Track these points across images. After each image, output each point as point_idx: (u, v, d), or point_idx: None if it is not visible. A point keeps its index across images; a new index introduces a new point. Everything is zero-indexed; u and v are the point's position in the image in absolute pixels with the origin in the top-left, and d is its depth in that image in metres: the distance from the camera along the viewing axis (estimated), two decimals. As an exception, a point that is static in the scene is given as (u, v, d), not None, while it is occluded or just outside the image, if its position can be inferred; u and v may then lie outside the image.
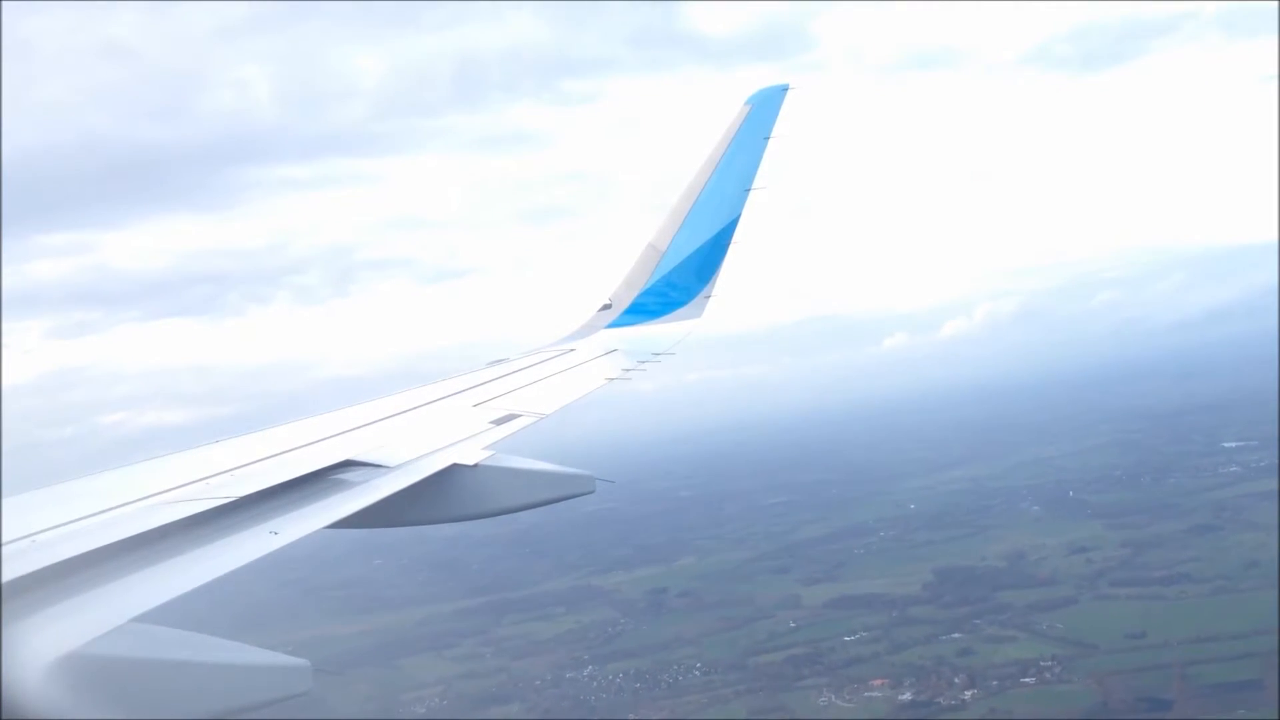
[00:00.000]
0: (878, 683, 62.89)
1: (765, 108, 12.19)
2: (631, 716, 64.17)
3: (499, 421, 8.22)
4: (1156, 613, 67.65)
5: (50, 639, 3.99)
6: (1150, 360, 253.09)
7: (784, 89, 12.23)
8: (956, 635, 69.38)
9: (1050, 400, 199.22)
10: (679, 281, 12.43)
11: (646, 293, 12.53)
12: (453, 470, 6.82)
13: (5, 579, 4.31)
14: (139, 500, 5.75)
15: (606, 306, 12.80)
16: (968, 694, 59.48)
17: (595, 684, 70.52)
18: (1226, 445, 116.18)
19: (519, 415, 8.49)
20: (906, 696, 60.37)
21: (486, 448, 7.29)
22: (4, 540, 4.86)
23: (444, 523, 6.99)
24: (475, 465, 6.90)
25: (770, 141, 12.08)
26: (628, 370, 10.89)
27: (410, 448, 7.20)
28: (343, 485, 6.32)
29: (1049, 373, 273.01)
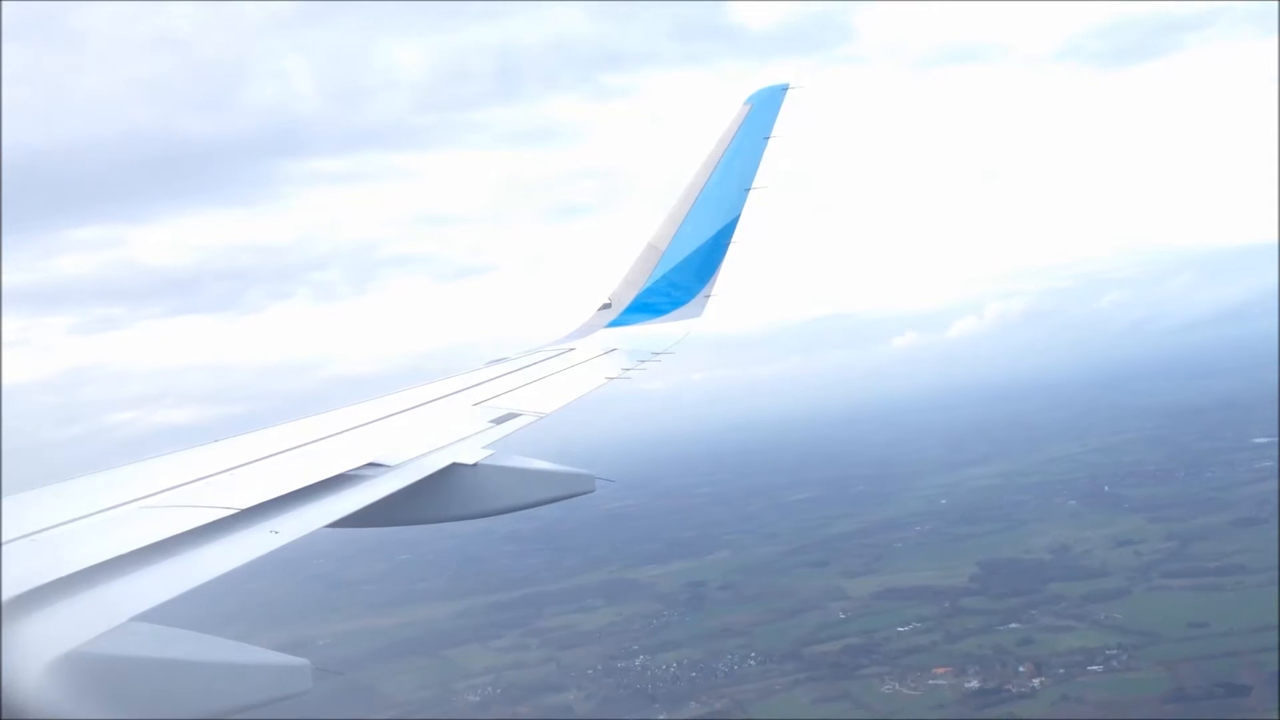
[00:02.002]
0: (941, 671, 62.67)
1: (765, 107, 12.12)
2: (694, 713, 63.86)
3: (499, 421, 8.19)
4: (1215, 603, 67.45)
5: (50, 638, 3.95)
6: (1162, 359, 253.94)
7: (784, 88, 12.14)
8: (1014, 625, 69.19)
9: (1065, 399, 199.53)
10: (679, 281, 12.38)
11: (646, 292, 12.47)
12: (453, 469, 6.82)
13: (5, 578, 4.29)
14: (130, 502, 5.65)
15: (606, 306, 12.73)
16: (1036, 681, 59.24)
17: (649, 673, 70.24)
18: (1257, 441, 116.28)
19: (519, 414, 8.45)
20: (973, 684, 60.12)
21: (486, 447, 7.28)
22: (3, 539, 4.82)
23: (444, 521, 6.97)
24: (475, 464, 6.89)
25: (770, 141, 12.02)
26: (627, 369, 10.82)
27: (410, 447, 7.17)
28: (342, 484, 6.25)
29: (1060, 372, 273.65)
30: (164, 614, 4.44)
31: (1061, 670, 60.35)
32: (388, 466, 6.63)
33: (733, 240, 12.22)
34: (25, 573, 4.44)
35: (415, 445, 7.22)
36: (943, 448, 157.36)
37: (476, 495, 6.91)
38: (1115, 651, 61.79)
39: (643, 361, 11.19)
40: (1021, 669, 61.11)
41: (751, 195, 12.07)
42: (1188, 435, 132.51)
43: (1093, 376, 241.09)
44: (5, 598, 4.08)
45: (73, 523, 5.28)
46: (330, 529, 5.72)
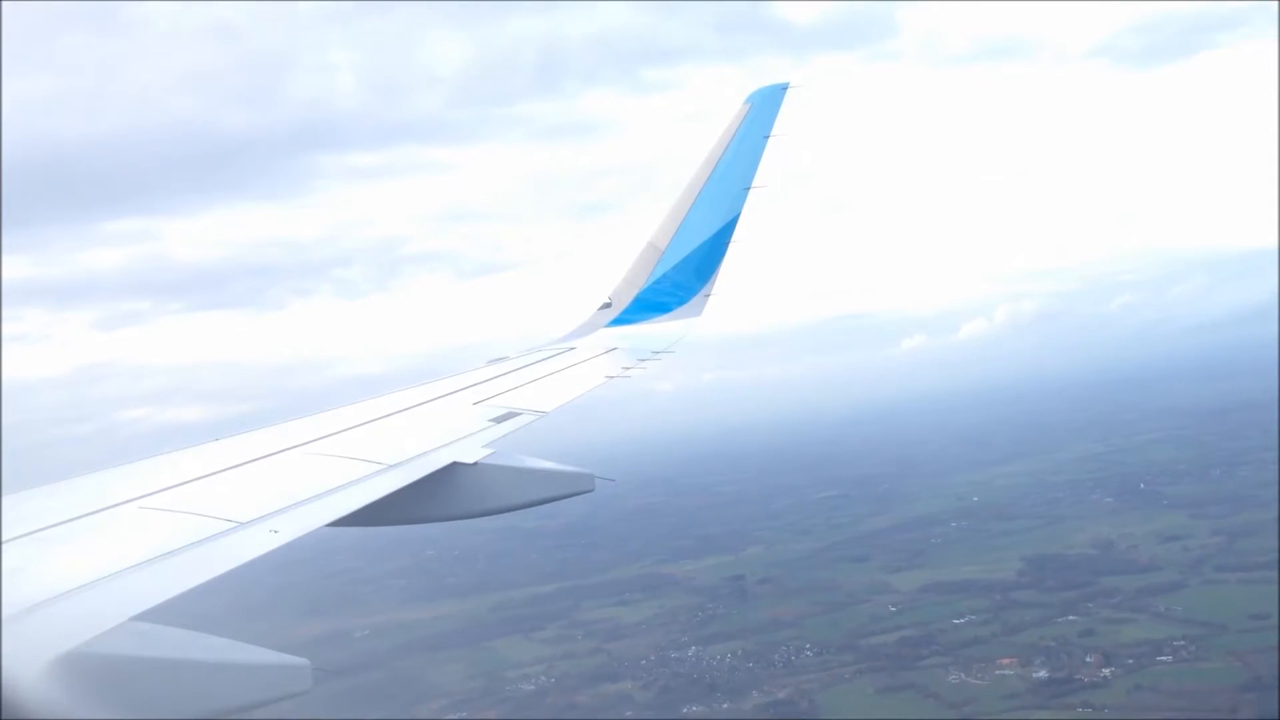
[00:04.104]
0: (1006, 661, 62.39)
1: (765, 106, 12.19)
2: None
3: (499, 419, 8.22)
4: (1273, 595, 66.80)
5: (50, 638, 3.95)
6: (1176, 362, 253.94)
7: (784, 87, 12.21)
8: (1072, 618, 68.91)
9: (1081, 400, 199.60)
10: (679, 280, 12.41)
11: (646, 291, 12.50)
12: (453, 468, 6.85)
13: (4, 577, 4.33)
14: (128, 502, 5.64)
15: (606, 305, 12.75)
16: (1105, 671, 58.98)
17: (704, 664, 69.90)
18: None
19: (519, 413, 8.49)
20: (1042, 674, 59.84)
21: (486, 446, 7.32)
22: (4, 538, 4.85)
23: (444, 520, 7.01)
24: (475, 463, 6.93)
25: (769, 140, 12.05)
26: (627, 368, 10.83)
27: (410, 445, 7.19)
28: (342, 483, 6.27)
29: (1073, 374, 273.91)
30: (178, 611, 4.42)
31: (1130, 660, 60.11)
32: (391, 465, 6.61)
33: (732, 239, 12.24)
34: (25, 572, 4.49)
35: (415, 444, 7.23)
36: (963, 447, 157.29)
37: (476, 494, 6.93)
38: (1182, 642, 61.51)
39: (643, 360, 11.16)
40: (1089, 660, 60.86)
41: (752, 194, 12.09)
42: (1212, 435, 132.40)
43: (1105, 379, 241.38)
44: (5, 597, 4.06)
45: (70, 522, 5.26)
46: (330, 528, 5.68)
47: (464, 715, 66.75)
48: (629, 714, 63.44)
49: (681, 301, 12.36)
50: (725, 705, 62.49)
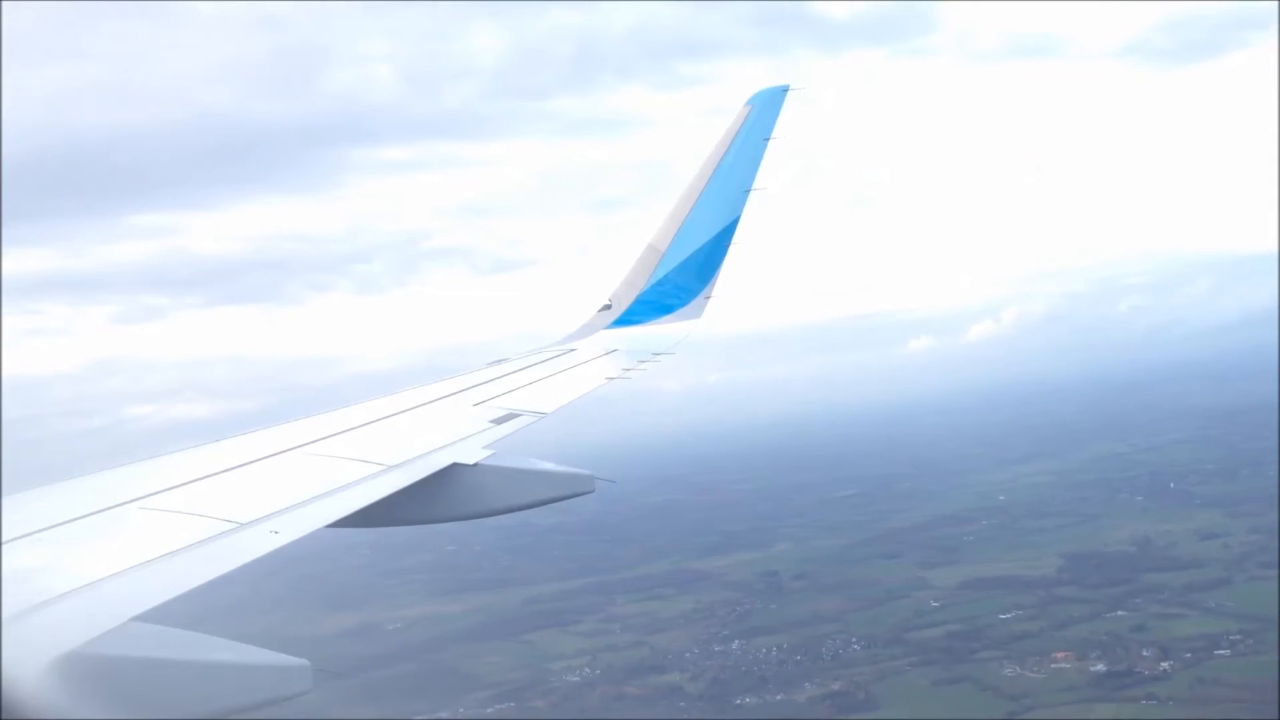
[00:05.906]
0: (1061, 655, 62.15)
1: (766, 108, 12.27)
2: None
3: (499, 421, 8.30)
4: (1324, 592, 67.01)
5: (50, 638, 3.96)
6: (1185, 365, 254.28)
7: (784, 90, 12.30)
8: (1120, 613, 68.79)
9: (1096, 401, 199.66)
10: (679, 282, 12.48)
11: (646, 293, 12.57)
12: (453, 469, 6.90)
13: (5, 578, 4.34)
14: (130, 502, 5.66)
15: (606, 307, 12.82)
16: (1164, 665, 58.83)
17: (750, 657, 69.57)
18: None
19: (519, 414, 8.57)
20: (1100, 668, 59.64)
21: (486, 447, 7.37)
22: (4, 538, 4.88)
23: (444, 521, 7.07)
24: (475, 464, 6.98)
25: (770, 142, 12.12)
26: (627, 370, 10.92)
27: (410, 446, 7.27)
28: (342, 484, 6.34)
29: (1082, 376, 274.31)
30: (181, 611, 4.42)
31: (1188, 654, 59.92)
32: (389, 465, 6.65)
33: (732, 242, 12.29)
34: (26, 572, 4.53)
35: (415, 445, 7.30)
36: (979, 446, 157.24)
37: (476, 495, 6.97)
38: (1238, 636, 61.37)
39: (642, 362, 11.21)
40: (1146, 653, 60.66)
41: (752, 196, 12.14)
42: (1235, 436, 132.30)
43: (1117, 380, 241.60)
44: (5, 598, 4.08)
45: (71, 523, 5.29)
46: (332, 529, 5.70)
47: (512, 705, 66.40)
48: (683, 704, 63.18)
49: (682, 303, 12.39)
50: (779, 697, 62.17)
